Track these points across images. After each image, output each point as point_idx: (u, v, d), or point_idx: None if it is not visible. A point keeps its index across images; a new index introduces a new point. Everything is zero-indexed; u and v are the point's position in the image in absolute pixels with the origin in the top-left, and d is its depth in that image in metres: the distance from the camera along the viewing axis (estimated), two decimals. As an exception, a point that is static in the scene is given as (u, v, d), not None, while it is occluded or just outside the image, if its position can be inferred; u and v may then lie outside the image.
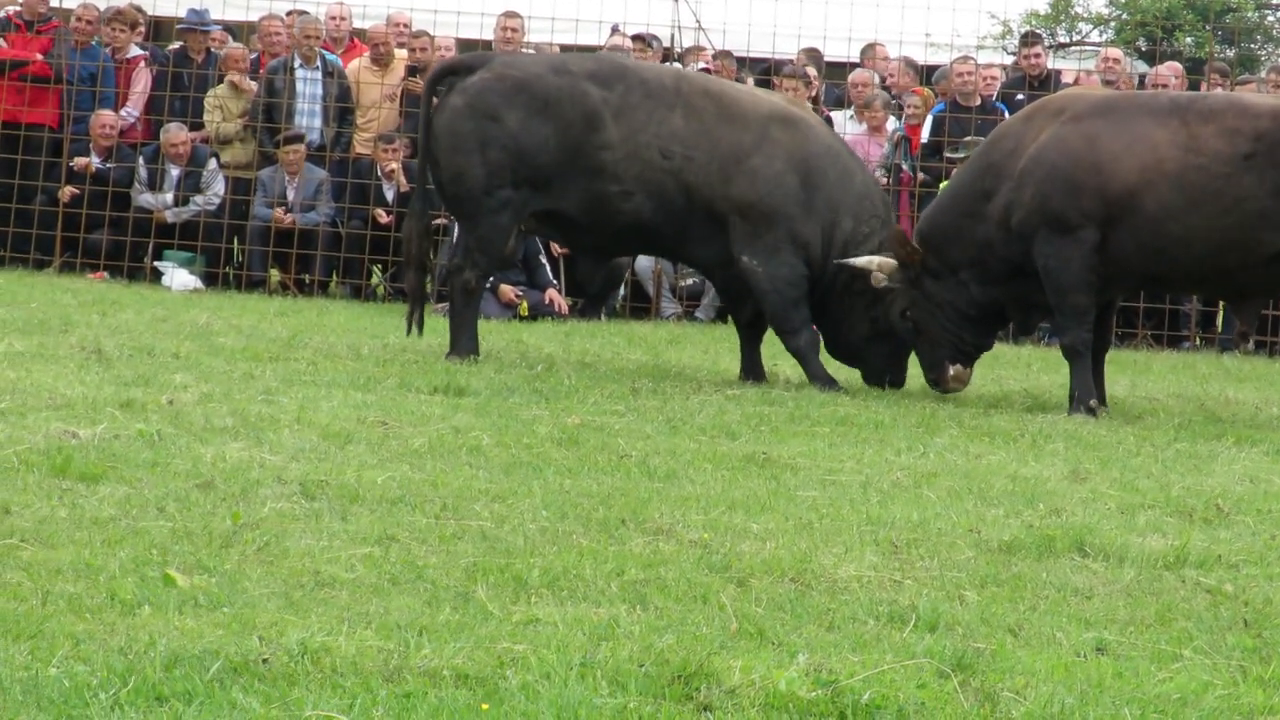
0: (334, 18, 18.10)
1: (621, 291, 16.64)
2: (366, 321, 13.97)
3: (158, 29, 18.97)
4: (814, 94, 17.07)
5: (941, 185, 15.10)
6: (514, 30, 17.15)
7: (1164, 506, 7.45)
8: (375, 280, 17.24)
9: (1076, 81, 17.46)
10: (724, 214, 11.12)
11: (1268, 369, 14.51)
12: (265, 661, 4.57)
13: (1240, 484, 8.20)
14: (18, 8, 17.66)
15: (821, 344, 11.47)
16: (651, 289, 16.68)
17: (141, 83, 17.56)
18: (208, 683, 4.42)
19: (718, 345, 13.55)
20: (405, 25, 17.73)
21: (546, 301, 15.46)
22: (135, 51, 17.73)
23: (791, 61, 17.22)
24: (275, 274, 17.07)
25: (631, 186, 11.08)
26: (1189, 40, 26.52)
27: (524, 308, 15.25)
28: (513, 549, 6.01)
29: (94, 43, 17.57)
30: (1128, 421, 10.28)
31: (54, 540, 5.79)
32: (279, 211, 16.83)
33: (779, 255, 11.12)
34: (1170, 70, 17.49)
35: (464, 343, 11.30)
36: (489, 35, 17.40)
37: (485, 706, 4.38)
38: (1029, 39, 18.27)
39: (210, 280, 16.83)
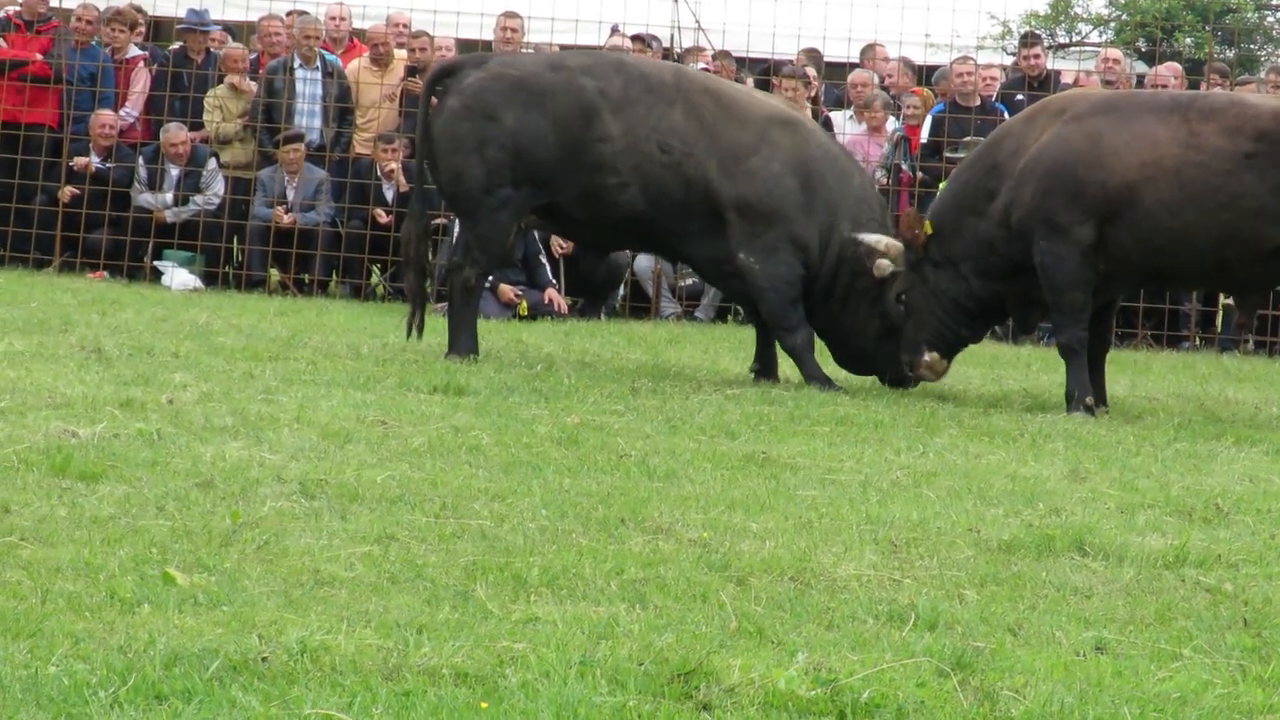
0: (333, 18, 18.10)
1: (621, 291, 16.64)
2: (366, 321, 13.97)
3: (158, 29, 18.98)
4: (813, 94, 17.08)
5: (941, 185, 15.12)
6: (513, 30, 17.15)
7: (1163, 506, 7.45)
8: (375, 280, 17.24)
9: (1076, 82, 17.48)
10: (722, 210, 11.11)
11: (1267, 369, 14.51)
12: (265, 660, 4.57)
13: (1240, 483, 8.20)
14: (17, 8, 17.67)
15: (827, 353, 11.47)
16: (651, 289, 16.68)
17: (141, 82, 17.56)
18: (207, 681, 4.42)
19: (717, 345, 13.55)
20: (405, 25, 17.74)
21: (546, 301, 15.46)
22: (135, 51, 17.74)
23: (791, 62, 17.22)
24: (275, 274, 17.07)
25: (628, 178, 11.06)
26: (1189, 41, 26.52)
27: (523, 307, 15.24)
28: (512, 548, 6.01)
29: (94, 43, 17.57)
30: (1127, 421, 10.28)
31: (54, 539, 5.79)
32: (279, 211, 16.83)
33: (777, 254, 11.12)
34: (1170, 71, 17.48)
35: (463, 342, 11.29)
36: (489, 35, 17.41)
37: (484, 705, 4.38)
38: (1028, 39, 18.28)
39: (210, 280, 16.84)
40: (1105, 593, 5.88)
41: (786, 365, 11.56)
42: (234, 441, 7.64)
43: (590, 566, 5.77)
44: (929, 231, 10.87)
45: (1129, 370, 13.36)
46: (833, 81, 18.02)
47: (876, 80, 17.49)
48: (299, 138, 16.93)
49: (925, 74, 17.90)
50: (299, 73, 17.17)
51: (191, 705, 4.28)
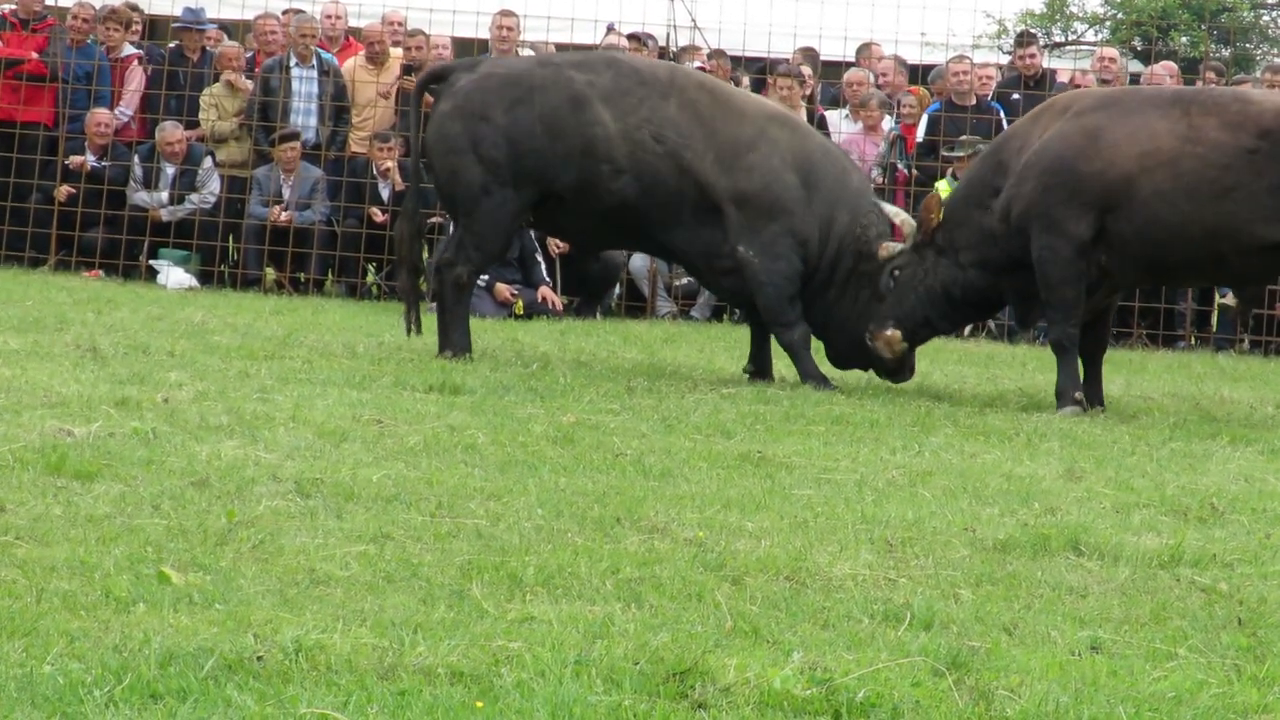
0: (329, 16, 18.10)
1: (617, 290, 16.64)
2: (361, 320, 13.97)
3: (153, 28, 18.97)
4: (809, 93, 17.08)
5: (937, 184, 15.12)
6: (509, 29, 17.16)
7: (1159, 505, 7.46)
8: (370, 279, 17.24)
9: (1072, 81, 17.49)
10: (718, 203, 11.09)
11: (1263, 368, 14.52)
12: (260, 659, 4.57)
13: (1235, 483, 8.20)
14: (13, 6, 17.66)
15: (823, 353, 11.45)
16: (647, 288, 16.68)
17: (136, 81, 17.56)
18: (202, 680, 4.42)
19: (713, 344, 13.55)
20: (400, 24, 17.75)
21: (541, 300, 15.45)
22: (130, 50, 17.74)
23: (787, 61, 17.22)
24: (270, 272, 17.07)
25: (624, 165, 11.05)
26: (1184, 40, 26.49)
27: (519, 306, 15.24)
28: (508, 547, 6.01)
29: (89, 41, 17.57)
30: (1123, 420, 10.29)
31: (49, 538, 5.78)
32: (274, 210, 16.83)
33: (776, 249, 11.10)
34: (1165, 70, 17.48)
35: (455, 338, 11.26)
36: (484, 34, 17.41)
37: (480, 704, 4.37)
38: (1024, 38, 18.27)
39: (205, 278, 16.84)
40: (1100, 592, 5.88)
41: (782, 365, 11.55)
42: (229, 440, 7.63)
43: (586, 566, 5.77)
44: (940, 218, 10.93)
45: (1124, 369, 13.37)
46: (829, 80, 18.03)
47: (872, 79, 17.50)
48: (295, 136, 16.93)
49: (921, 73, 17.90)
50: (295, 71, 17.17)
51: (187, 704, 4.27)
